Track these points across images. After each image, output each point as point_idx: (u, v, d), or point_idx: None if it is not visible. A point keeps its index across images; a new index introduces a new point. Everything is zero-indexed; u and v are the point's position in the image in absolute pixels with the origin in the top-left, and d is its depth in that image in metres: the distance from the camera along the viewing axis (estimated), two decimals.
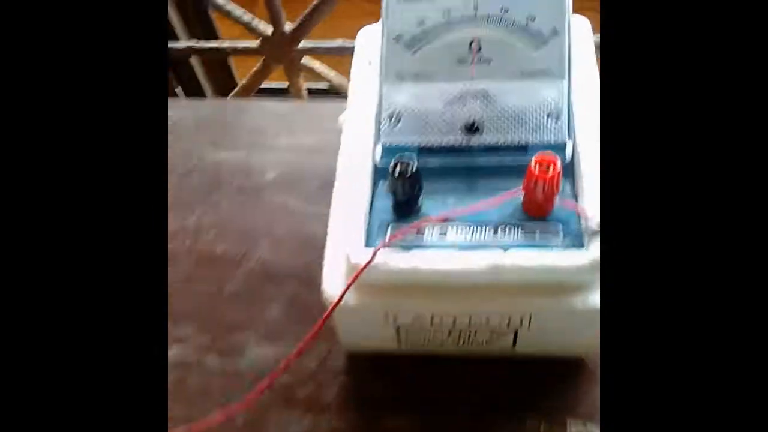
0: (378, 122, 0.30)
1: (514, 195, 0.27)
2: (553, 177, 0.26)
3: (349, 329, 0.30)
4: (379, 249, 0.26)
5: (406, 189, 0.28)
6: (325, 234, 0.29)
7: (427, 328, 0.29)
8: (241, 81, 0.56)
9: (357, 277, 0.26)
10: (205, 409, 0.30)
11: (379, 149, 0.30)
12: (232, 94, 0.59)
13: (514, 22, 0.30)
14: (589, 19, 0.35)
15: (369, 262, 0.26)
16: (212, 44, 0.56)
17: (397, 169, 0.27)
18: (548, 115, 0.29)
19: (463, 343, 0.30)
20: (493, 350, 0.30)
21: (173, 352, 0.34)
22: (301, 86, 0.54)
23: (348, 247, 0.27)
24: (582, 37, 0.33)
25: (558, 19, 0.30)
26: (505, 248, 0.26)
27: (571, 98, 0.29)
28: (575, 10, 0.31)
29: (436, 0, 0.31)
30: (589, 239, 0.26)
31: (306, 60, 0.52)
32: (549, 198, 0.27)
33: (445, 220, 0.27)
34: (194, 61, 0.65)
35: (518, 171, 0.28)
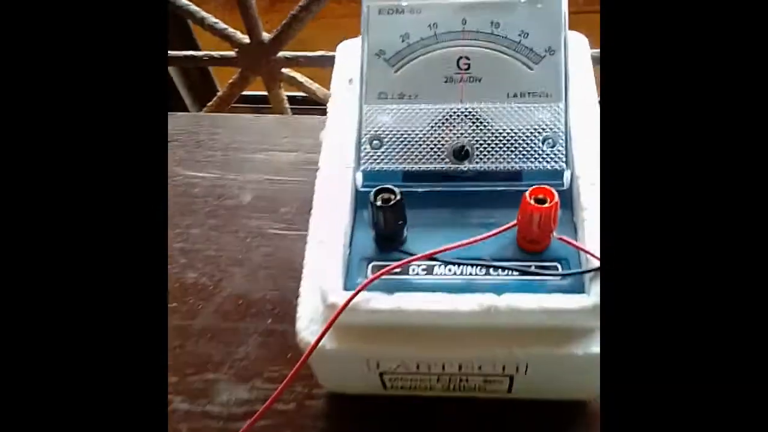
0: (358, 146, 0.28)
1: (507, 229, 0.25)
2: (550, 210, 0.24)
3: (327, 374, 0.28)
4: (359, 291, 0.24)
5: (388, 221, 0.25)
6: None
7: (413, 374, 0.26)
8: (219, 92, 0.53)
9: (334, 320, 0.24)
10: None
11: (359, 176, 0.28)
12: (207, 106, 0.56)
13: (506, 38, 0.28)
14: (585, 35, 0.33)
15: (347, 303, 0.24)
16: (187, 53, 0.53)
17: (379, 199, 0.25)
18: (544, 140, 0.27)
19: (454, 388, 0.27)
20: (487, 395, 0.28)
21: None
22: (282, 97, 0.52)
23: (325, 285, 0.25)
24: (579, 56, 0.31)
25: (553, 35, 0.28)
26: (499, 292, 0.23)
27: (568, 122, 0.27)
28: (571, 27, 0.29)
29: (421, 12, 0.29)
30: (590, 280, 0.24)
31: (287, 70, 0.49)
32: (546, 233, 0.25)
33: (432, 258, 0.25)
34: (172, 71, 0.62)
35: (511, 198, 0.25)
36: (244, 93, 0.59)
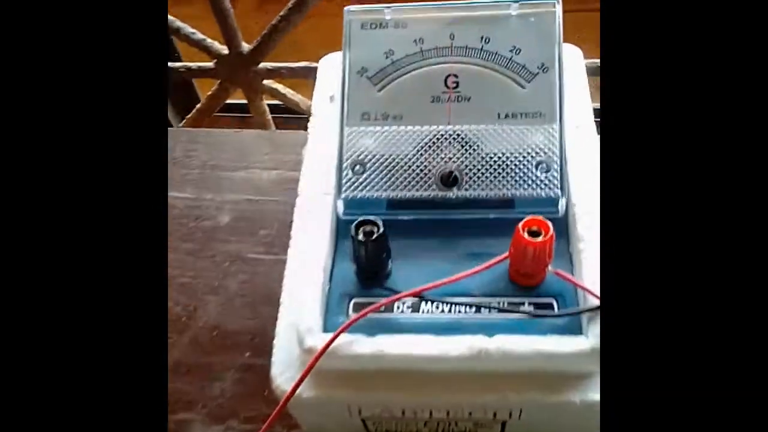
0: (339, 171, 0.26)
1: (498, 262, 0.23)
2: (544, 245, 0.22)
3: (306, 419, 0.26)
4: (338, 334, 0.22)
5: (371, 256, 0.23)
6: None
7: (399, 419, 0.24)
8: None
9: (312, 366, 0.22)
10: None
11: (340, 204, 0.26)
12: (186, 120, 0.54)
13: (496, 53, 0.26)
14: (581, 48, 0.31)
15: (326, 347, 0.22)
16: None
17: (361, 232, 0.23)
18: (537, 165, 0.25)
19: None
20: None
21: None
22: (264, 109, 0.49)
23: (302, 326, 0.23)
24: (574, 71, 0.29)
25: (547, 51, 0.26)
26: (490, 333, 0.22)
27: (563, 145, 0.25)
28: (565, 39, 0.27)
29: (406, 27, 0.27)
30: (589, 320, 0.22)
31: (269, 81, 0.47)
32: (540, 267, 0.23)
33: (419, 296, 0.23)
34: None
35: (503, 227, 0.24)
36: (228, 101, 0.57)
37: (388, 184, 0.25)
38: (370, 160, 0.26)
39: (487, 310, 0.23)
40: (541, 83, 0.26)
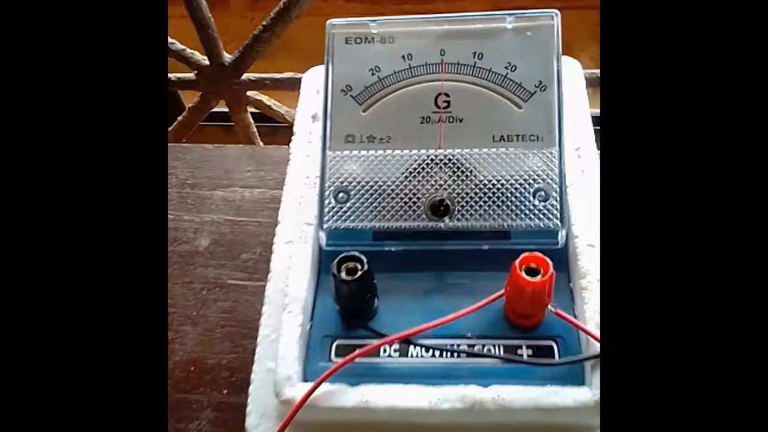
0: (321, 200, 0.24)
1: (493, 300, 0.21)
2: (544, 285, 0.20)
3: None
4: (318, 384, 0.20)
5: (354, 296, 0.22)
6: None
7: None
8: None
9: (290, 420, 0.20)
10: None
11: (323, 235, 0.24)
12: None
13: (490, 71, 0.24)
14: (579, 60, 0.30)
15: (305, 399, 0.20)
16: None
17: (343, 270, 0.21)
18: (535, 193, 0.23)
19: None
20: None
21: None
22: (249, 122, 0.47)
23: (279, 374, 0.21)
24: (573, 87, 0.27)
25: (545, 68, 0.24)
26: (485, 382, 0.20)
27: (563, 170, 0.23)
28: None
29: (394, 41, 0.25)
30: (592, 368, 0.20)
31: (253, 93, 0.45)
32: (538, 308, 0.21)
33: (408, 341, 0.21)
34: None
35: (499, 259, 0.22)
36: (214, 110, 0.55)
37: (374, 213, 0.23)
38: (355, 187, 0.24)
39: (481, 353, 0.21)
40: (539, 103, 0.24)
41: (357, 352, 0.20)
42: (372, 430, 0.20)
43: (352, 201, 0.24)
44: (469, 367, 0.21)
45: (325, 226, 0.23)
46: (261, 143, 0.52)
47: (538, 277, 0.20)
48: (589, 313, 0.21)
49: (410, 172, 0.24)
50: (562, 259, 0.23)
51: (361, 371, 0.21)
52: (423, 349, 0.21)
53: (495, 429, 0.20)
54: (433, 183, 0.24)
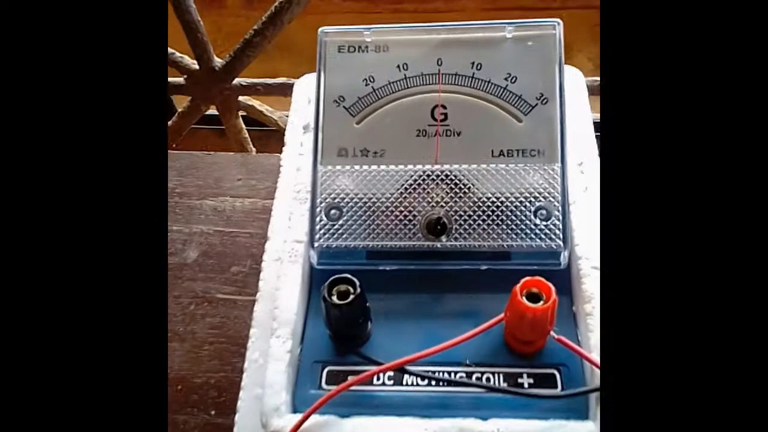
0: (312, 217, 0.23)
1: (492, 326, 0.20)
2: (546, 311, 0.19)
3: None
4: (307, 416, 0.19)
5: (346, 320, 0.20)
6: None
7: None
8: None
9: None
10: None
11: (314, 254, 0.23)
12: None
13: (489, 82, 0.23)
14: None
15: (294, 431, 0.19)
16: None
17: (335, 293, 0.20)
18: (536, 211, 0.22)
19: None
20: None
21: None
22: (240, 127, 0.46)
23: (267, 404, 0.20)
24: (576, 98, 0.26)
25: (546, 79, 0.23)
26: (484, 414, 0.19)
27: (566, 187, 0.22)
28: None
29: (389, 50, 0.24)
30: (597, 402, 0.19)
31: (245, 98, 0.44)
32: (540, 335, 0.20)
33: (402, 369, 0.20)
34: None
35: (498, 281, 0.21)
36: (207, 113, 0.54)
37: (367, 231, 0.22)
38: (348, 203, 0.23)
39: (479, 384, 0.20)
40: (540, 116, 0.23)
41: (348, 381, 0.19)
42: None
43: (345, 218, 0.23)
44: (467, 397, 0.20)
45: (316, 244, 0.22)
46: (253, 148, 0.50)
47: (540, 303, 0.19)
48: (594, 341, 0.20)
49: (405, 189, 0.23)
50: (565, 281, 0.22)
51: (353, 400, 0.20)
52: (417, 380, 0.20)
53: None
54: (430, 200, 0.22)
